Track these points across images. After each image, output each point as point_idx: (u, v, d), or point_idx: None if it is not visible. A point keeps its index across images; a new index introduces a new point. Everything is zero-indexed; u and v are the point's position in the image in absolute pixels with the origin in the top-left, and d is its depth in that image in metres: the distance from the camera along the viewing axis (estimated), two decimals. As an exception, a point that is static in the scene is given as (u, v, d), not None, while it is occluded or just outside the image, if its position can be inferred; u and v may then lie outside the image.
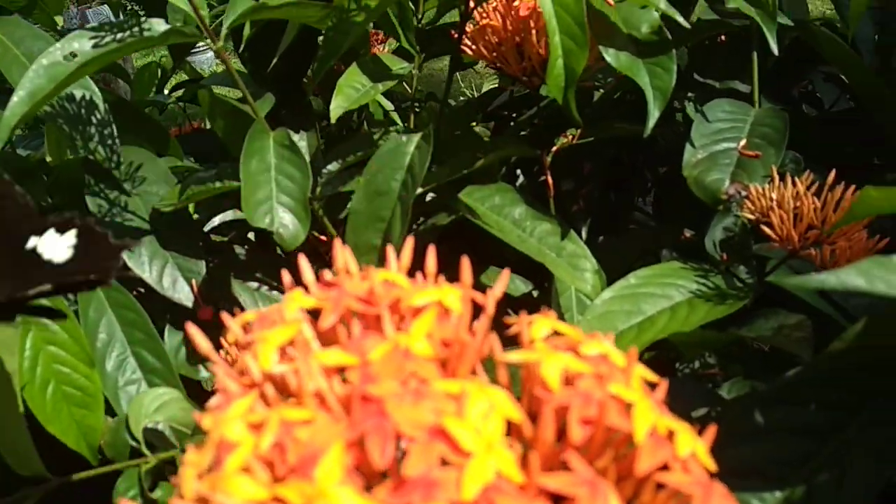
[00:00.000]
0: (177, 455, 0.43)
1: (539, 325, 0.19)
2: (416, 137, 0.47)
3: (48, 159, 0.66)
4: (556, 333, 0.20)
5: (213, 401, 0.19)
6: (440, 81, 0.78)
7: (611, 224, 0.66)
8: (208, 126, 1.12)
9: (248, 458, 0.16)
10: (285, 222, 0.45)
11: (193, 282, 0.54)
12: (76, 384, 0.46)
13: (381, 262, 0.46)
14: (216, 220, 0.63)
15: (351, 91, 0.57)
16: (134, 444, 0.45)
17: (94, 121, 0.55)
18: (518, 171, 0.62)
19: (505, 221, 0.47)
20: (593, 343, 0.19)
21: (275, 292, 0.57)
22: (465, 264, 0.21)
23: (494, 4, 0.47)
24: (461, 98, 1.50)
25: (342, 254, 0.22)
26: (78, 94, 0.54)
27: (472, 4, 0.46)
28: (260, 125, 0.47)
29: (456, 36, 0.49)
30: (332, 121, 0.58)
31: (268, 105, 0.52)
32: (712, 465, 0.17)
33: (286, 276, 0.24)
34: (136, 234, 0.54)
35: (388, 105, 0.76)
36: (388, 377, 0.17)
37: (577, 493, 0.15)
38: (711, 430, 0.18)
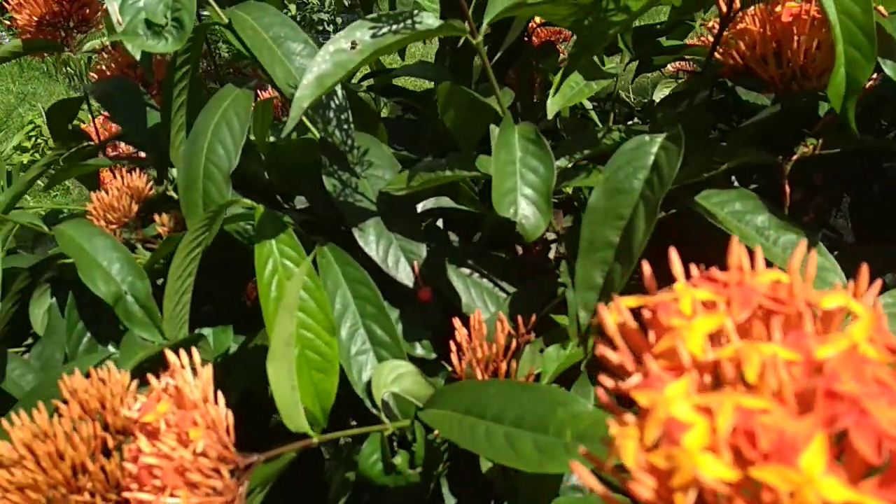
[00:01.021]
0: (417, 426, 0.45)
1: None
2: (660, 138, 0.47)
3: (252, 138, 0.70)
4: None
5: (634, 380, 0.20)
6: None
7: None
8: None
9: (708, 439, 0.17)
10: (527, 213, 0.47)
11: (415, 263, 0.56)
12: (318, 350, 0.49)
13: (618, 258, 0.47)
14: (418, 208, 0.66)
15: (567, 88, 0.58)
16: (374, 411, 0.47)
17: (332, 105, 0.58)
18: (733, 177, 0.61)
19: (747, 228, 0.46)
20: None
21: (484, 280, 0.59)
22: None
23: (752, 10, 0.47)
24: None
25: (736, 250, 0.22)
26: (319, 78, 0.58)
27: (736, 4, 0.45)
28: (508, 118, 0.49)
29: (711, 41, 0.49)
30: (549, 116, 0.59)
31: (508, 99, 0.54)
32: None
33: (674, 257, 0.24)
34: (365, 215, 0.57)
35: (587, 104, 0.76)
36: (848, 376, 0.17)
37: None
38: None
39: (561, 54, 0.89)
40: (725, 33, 0.48)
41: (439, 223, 0.72)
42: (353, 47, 0.44)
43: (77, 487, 0.36)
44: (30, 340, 0.61)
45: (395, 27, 0.45)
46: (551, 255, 0.74)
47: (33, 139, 3.35)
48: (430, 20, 0.45)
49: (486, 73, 0.49)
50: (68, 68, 4.80)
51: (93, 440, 0.37)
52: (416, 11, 0.45)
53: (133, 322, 0.53)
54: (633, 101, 1.44)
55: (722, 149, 0.51)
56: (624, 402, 0.22)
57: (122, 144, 0.95)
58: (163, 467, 0.34)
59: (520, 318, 0.49)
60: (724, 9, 0.46)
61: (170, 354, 0.37)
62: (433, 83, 0.91)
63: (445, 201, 0.66)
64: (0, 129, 3.60)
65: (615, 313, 0.23)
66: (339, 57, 0.44)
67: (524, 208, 0.47)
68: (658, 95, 1.15)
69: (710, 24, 0.53)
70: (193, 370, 0.38)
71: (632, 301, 0.23)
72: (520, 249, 0.75)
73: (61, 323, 0.57)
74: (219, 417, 0.36)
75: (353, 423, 0.65)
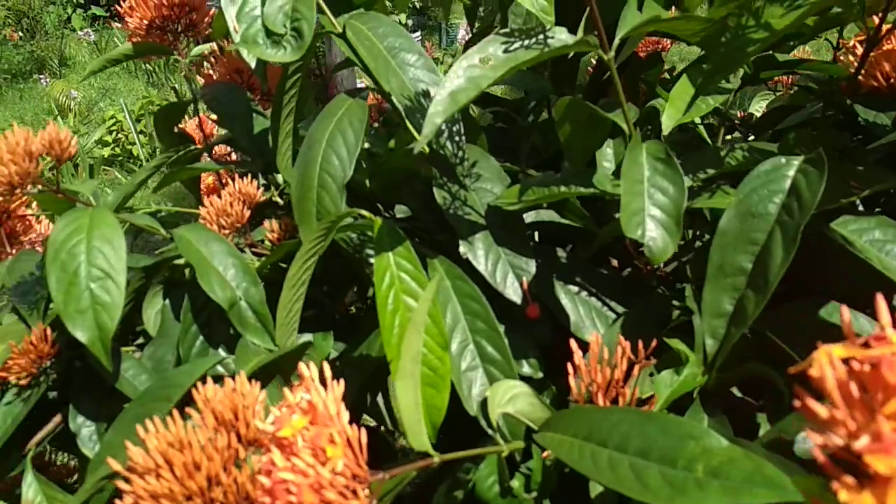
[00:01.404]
0: (535, 449, 0.44)
1: None
2: (797, 161, 0.45)
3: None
4: None
5: (863, 441, 0.19)
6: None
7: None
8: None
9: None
10: (654, 235, 0.45)
11: (524, 279, 0.55)
12: (430, 364, 0.49)
13: (750, 286, 0.45)
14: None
15: (681, 103, 0.56)
16: (490, 431, 0.47)
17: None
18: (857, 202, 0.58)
19: (887, 258, 0.44)
20: None
21: (592, 298, 0.57)
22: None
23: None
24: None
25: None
26: (433, 91, 0.58)
27: (884, 28, 0.43)
28: (636, 137, 0.47)
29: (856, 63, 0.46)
30: (665, 132, 0.57)
31: (633, 115, 0.52)
32: None
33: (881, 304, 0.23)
34: (474, 228, 0.56)
35: (696, 118, 0.74)
36: None
37: None
38: None
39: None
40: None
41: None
42: (485, 63, 0.43)
43: (210, 499, 0.37)
44: (140, 340, 0.63)
45: (527, 42, 0.44)
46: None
47: (114, 134, 3.48)
48: (563, 35, 0.44)
49: (614, 87, 0.48)
50: (148, 65, 4.97)
51: (226, 451, 0.37)
52: (547, 27, 0.44)
53: (246, 328, 0.54)
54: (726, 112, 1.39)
55: (858, 172, 0.49)
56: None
57: (216, 147, 0.97)
58: (298, 483, 0.34)
59: (640, 343, 0.48)
60: (872, 31, 0.44)
61: (303, 367, 0.37)
62: (524, 92, 0.91)
63: (547, 214, 0.64)
64: (83, 123, 3.76)
65: (829, 363, 0.22)
66: (473, 73, 0.43)
67: (652, 230, 0.45)
68: (755, 108, 1.11)
69: (851, 43, 0.51)
70: (323, 383, 0.38)
71: (841, 350, 0.22)
72: (615, 262, 0.73)
73: (173, 324, 0.58)
74: (354, 435, 0.36)
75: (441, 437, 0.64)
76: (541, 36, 0.44)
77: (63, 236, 0.49)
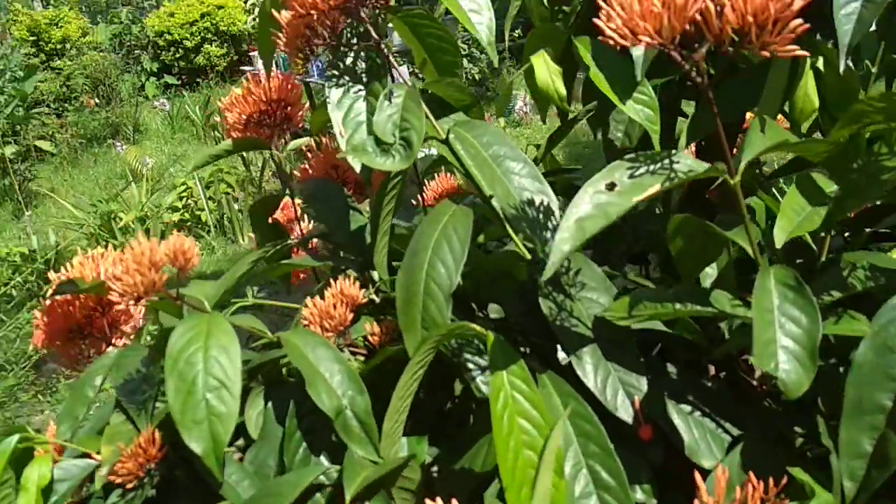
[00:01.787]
0: None
1: None
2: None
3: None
4: None
5: None
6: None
7: None
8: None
9: None
10: (787, 368, 0.43)
11: (636, 398, 0.53)
12: (544, 491, 0.47)
13: (891, 425, 0.42)
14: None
15: (793, 214, 0.54)
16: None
17: (549, 226, 0.57)
18: None
19: None
20: None
21: (706, 419, 0.55)
22: None
23: None
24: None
25: None
26: (537, 199, 0.58)
27: None
28: (764, 262, 0.46)
29: None
30: (777, 246, 0.55)
31: (756, 236, 0.51)
32: None
33: None
34: (582, 341, 0.55)
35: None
36: None
37: None
38: None
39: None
40: None
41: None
42: (611, 189, 0.43)
43: None
44: (240, 441, 0.62)
45: (652, 168, 0.44)
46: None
47: (184, 199, 3.61)
48: (689, 161, 0.44)
49: (739, 209, 0.47)
50: (216, 132, 5.18)
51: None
52: (673, 152, 0.44)
53: (351, 438, 0.53)
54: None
55: None
56: None
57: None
58: None
59: (771, 480, 0.45)
60: None
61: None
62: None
63: (651, 323, 0.63)
64: (154, 190, 3.91)
65: None
66: (599, 199, 0.43)
67: (784, 362, 0.43)
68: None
69: None
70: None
71: None
72: (712, 369, 0.71)
73: (275, 427, 0.58)
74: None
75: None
76: (666, 161, 0.44)
77: (181, 344, 0.50)
